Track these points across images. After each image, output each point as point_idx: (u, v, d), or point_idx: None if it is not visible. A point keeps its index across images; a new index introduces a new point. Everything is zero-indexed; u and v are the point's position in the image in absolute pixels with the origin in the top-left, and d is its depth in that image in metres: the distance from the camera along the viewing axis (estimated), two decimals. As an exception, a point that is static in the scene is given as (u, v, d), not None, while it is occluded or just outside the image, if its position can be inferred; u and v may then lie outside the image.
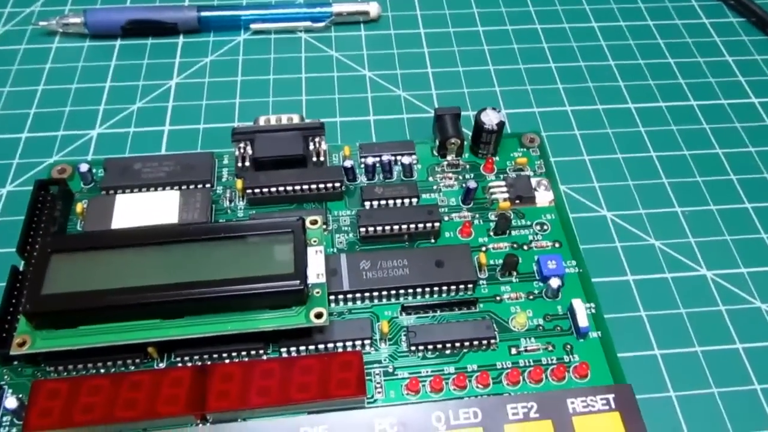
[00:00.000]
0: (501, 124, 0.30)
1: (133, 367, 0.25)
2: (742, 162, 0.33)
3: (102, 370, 0.25)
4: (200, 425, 0.23)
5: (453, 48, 0.38)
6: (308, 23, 0.39)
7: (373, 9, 0.39)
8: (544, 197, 0.30)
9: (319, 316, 0.24)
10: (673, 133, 0.34)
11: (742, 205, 0.31)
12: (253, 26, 0.38)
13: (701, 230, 0.30)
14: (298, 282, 0.24)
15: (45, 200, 0.28)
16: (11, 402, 0.23)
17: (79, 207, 0.29)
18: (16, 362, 0.25)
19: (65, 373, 0.25)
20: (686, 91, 0.37)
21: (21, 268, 0.27)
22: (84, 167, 0.29)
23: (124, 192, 0.29)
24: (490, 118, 0.30)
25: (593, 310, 0.27)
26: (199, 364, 0.25)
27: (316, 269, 0.25)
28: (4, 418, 0.24)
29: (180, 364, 0.25)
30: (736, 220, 0.31)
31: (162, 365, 0.25)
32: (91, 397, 0.23)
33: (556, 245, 0.29)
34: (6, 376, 0.25)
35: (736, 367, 0.26)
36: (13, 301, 0.25)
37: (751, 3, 0.40)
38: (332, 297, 0.26)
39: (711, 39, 0.39)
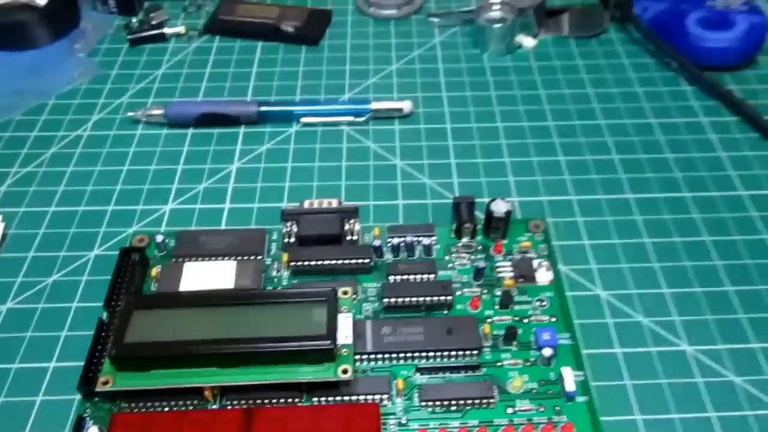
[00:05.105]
0: (508, 213, 0.35)
1: (191, 407, 0.30)
2: (727, 249, 0.37)
3: (166, 408, 0.30)
4: (244, 458, 0.28)
5: (474, 141, 0.44)
6: (350, 118, 0.45)
7: (407, 106, 0.46)
8: (544, 277, 0.35)
9: (345, 371, 0.29)
10: (665, 222, 0.39)
11: (722, 288, 0.35)
12: (303, 120, 0.45)
13: (685, 310, 0.34)
14: (329, 342, 0.29)
15: (127, 264, 0.35)
16: (93, 431, 0.29)
17: (154, 271, 0.35)
18: (96, 398, 0.31)
19: (136, 409, 0.30)
20: (680, 184, 0.41)
21: (105, 320, 0.33)
22: (159, 238, 0.36)
23: (191, 260, 0.35)
24: (499, 207, 0.36)
25: (582, 378, 0.31)
26: (246, 407, 0.30)
27: (344, 332, 0.30)
28: (87, 445, 0.29)
29: (229, 407, 0.30)
30: (718, 301, 0.35)
31: (215, 406, 0.30)
32: (159, 429, 0.28)
33: (553, 319, 0.33)
34: (88, 410, 0.30)
35: (708, 434, 0.30)
36: (99, 347, 0.31)
37: (742, 103, 0.45)
38: (357, 357, 0.31)
39: (706, 136, 0.44)
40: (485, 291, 0.34)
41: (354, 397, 0.30)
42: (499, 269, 0.35)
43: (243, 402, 0.30)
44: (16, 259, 0.37)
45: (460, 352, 0.31)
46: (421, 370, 0.31)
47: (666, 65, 0.50)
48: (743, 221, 0.39)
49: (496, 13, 0.52)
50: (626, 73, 0.50)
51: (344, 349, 0.30)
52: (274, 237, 0.37)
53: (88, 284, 0.36)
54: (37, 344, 0.33)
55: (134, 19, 0.55)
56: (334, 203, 0.37)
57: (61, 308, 0.35)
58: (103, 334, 0.32)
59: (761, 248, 0.37)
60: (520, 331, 0.32)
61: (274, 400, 0.30)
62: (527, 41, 0.52)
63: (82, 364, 0.31)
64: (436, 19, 0.55)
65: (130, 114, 0.45)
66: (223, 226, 0.39)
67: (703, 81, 0.48)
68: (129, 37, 0.52)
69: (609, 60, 0.51)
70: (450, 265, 0.36)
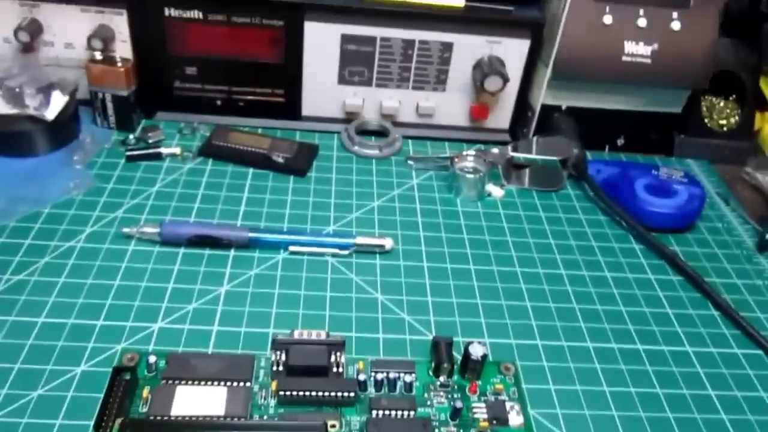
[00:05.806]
0: (484, 356, 0.38)
1: None
2: (678, 402, 0.41)
3: None
4: None
5: (449, 281, 0.48)
6: (335, 250, 0.48)
7: (388, 243, 0.49)
8: (515, 420, 0.37)
9: (332, 507, 0.30)
10: (622, 372, 0.43)
11: (675, 441, 0.39)
12: (291, 248, 0.48)
13: (642, 459, 0.37)
14: (320, 477, 0.30)
15: (119, 383, 0.35)
16: None
17: (145, 392, 0.36)
18: None
19: None
20: (634, 336, 0.45)
21: (93, 441, 0.33)
22: (152, 359, 0.37)
23: (181, 383, 0.36)
24: (476, 350, 0.39)
25: None
26: None
27: (332, 466, 0.32)
28: None
29: None
30: (670, 453, 0.38)
31: None
32: None
33: (524, 462, 0.35)
34: None
35: None
36: (87, 469, 0.32)
37: (686, 265, 0.51)
38: (341, 490, 0.32)
39: (655, 293, 0.49)
40: (461, 430, 0.36)
41: None
42: (474, 410, 0.37)
43: None
44: (2, 370, 0.37)
45: (439, 492, 0.33)
46: (401, 508, 0.33)
47: (617, 223, 0.56)
48: (690, 376, 0.43)
49: (469, 163, 0.58)
50: (583, 227, 0.55)
51: (332, 484, 0.31)
52: (262, 364, 0.39)
53: (74, 400, 0.36)
54: (19, 462, 0.33)
55: (131, 136, 0.58)
56: (323, 335, 0.39)
57: (46, 424, 0.35)
58: (91, 455, 0.32)
59: (708, 403, 0.41)
60: (494, 472, 0.34)
61: None
62: (496, 191, 0.58)
63: (64, 485, 0.31)
64: (413, 163, 0.60)
65: (125, 230, 0.47)
66: (210, 349, 0.40)
67: (649, 242, 0.54)
68: (127, 153, 0.55)
69: (567, 214, 0.57)
70: (428, 403, 0.38)
